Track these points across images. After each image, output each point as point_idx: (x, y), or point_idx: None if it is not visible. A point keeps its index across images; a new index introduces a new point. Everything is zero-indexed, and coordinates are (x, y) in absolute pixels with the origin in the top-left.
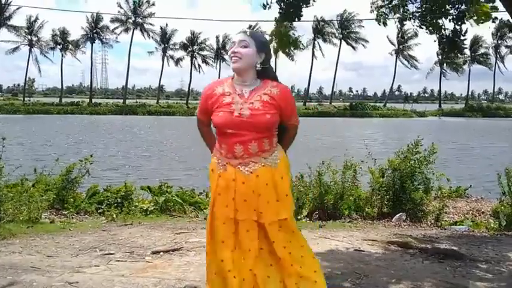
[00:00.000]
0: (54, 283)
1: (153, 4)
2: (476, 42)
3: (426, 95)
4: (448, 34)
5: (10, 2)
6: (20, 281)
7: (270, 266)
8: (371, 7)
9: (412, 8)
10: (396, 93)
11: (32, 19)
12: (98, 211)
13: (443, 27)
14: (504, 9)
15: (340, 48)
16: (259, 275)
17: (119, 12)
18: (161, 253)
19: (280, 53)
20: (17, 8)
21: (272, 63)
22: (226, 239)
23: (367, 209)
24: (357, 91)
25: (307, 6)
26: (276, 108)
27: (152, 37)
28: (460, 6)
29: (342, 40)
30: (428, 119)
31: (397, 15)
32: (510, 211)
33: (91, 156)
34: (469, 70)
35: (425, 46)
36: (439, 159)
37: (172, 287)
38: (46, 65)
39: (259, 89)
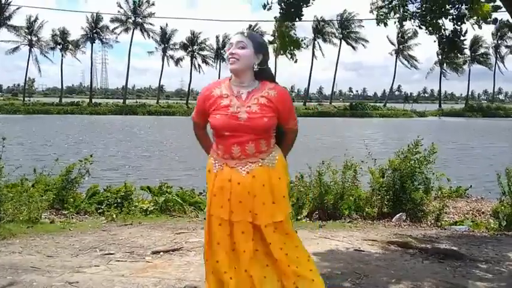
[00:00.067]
0: (54, 283)
1: (153, 4)
2: (476, 42)
3: (426, 95)
4: (448, 34)
5: (10, 2)
6: (20, 281)
7: (266, 267)
8: (371, 7)
9: (412, 8)
10: (396, 93)
11: (32, 19)
12: (98, 211)
13: (443, 27)
14: (504, 9)
15: (340, 48)
16: (255, 275)
17: (118, 12)
18: (161, 253)
19: (281, 53)
20: (17, 8)
21: (272, 64)
22: (221, 241)
23: (367, 209)
24: (357, 91)
25: (307, 6)
26: (273, 111)
27: (152, 37)
28: (460, 6)
29: (342, 40)
30: (428, 119)
31: (397, 15)
32: (510, 211)
33: (91, 156)
34: (469, 70)
35: (425, 46)
36: (439, 159)
37: (172, 287)
38: (46, 65)
39: (257, 91)
